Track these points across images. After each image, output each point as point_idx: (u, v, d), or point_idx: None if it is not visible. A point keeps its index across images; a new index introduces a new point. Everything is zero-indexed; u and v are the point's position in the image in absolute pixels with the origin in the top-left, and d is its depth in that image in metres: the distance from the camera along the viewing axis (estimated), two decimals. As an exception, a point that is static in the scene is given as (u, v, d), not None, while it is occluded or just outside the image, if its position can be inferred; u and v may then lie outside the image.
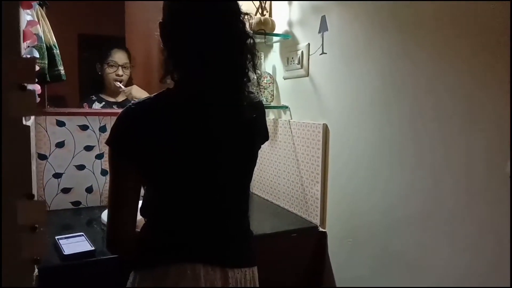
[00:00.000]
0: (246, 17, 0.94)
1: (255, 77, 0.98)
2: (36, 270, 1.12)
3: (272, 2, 1.94)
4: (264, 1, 1.88)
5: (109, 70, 1.89)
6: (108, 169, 1.78)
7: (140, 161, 0.91)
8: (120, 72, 1.89)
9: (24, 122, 1.01)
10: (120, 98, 1.93)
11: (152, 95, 0.93)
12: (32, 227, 0.89)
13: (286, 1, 1.82)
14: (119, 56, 1.91)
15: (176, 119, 0.90)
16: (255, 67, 0.96)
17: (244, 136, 0.99)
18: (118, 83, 1.89)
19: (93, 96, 1.90)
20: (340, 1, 1.50)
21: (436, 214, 1.15)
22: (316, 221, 1.64)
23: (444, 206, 1.13)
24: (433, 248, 1.17)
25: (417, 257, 1.22)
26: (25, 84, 0.75)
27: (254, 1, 1.86)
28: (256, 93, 1.03)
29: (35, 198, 1.15)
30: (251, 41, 0.94)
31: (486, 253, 1.02)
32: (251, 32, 0.97)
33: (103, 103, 1.90)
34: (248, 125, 0.99)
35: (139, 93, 1.92)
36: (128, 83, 1.95)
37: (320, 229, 1.62)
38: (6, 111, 0.93)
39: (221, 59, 0.90)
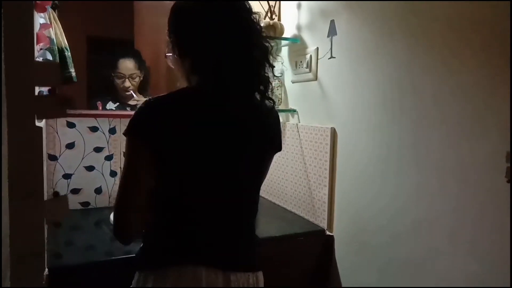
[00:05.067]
0: (256, 16, 0.96)
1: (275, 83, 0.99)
2: (46, 269, 1.13)
3: (281, 6, 1.95)
4: (273, 5, 1.89)
5: (117, 81, 1.90)
6: (116, 171, 1.81)
7: (155, 152, 0.89)
8: (127, 84, 1.89)
9: (36, 124, 1.03)
10: (132, 103, 1.94)
11: (171, 92, 0.94)
12: (55, 192, 0.95)
13: (295, 5, 1.83)
14: (125, 67, 1.91)
15: (195, 116, 0.90)
16: (270, 64, 0.98)
17: (259, 141, 1.00)
18: (129, 92, 1.90)
19: (108, 96, 1.92)
20: (349, 6, 1.50)
21: (443, 219, 1.15)
22: (323, 224, 1.64)
23: (451, 211, 1.13)
24: (440, 252, 1.17)
25: (424, 261, 1.22)
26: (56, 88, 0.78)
27: (262, 3, 1.87)
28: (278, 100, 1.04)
29: (45, 198, 1.18)
30: (269, 47, 0.97)
31: (495, 257, 1.02)
32: (269, 40, 0.99)
33: (118, 103, 1.92)
34: (264, 131, 1.01)
35: None
36: (144, 89, 1.95)
37: (327, 232, 1.62)
38: (16, 113, 0.95)
39: (241, 60, 0.92)
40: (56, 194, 0.99)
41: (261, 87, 0.97)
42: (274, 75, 1.01)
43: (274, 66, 1.00)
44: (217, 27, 0.92)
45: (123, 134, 0.90)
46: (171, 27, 0.98)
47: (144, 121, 0.89)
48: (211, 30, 0.91)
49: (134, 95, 1.91)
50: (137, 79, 1.93)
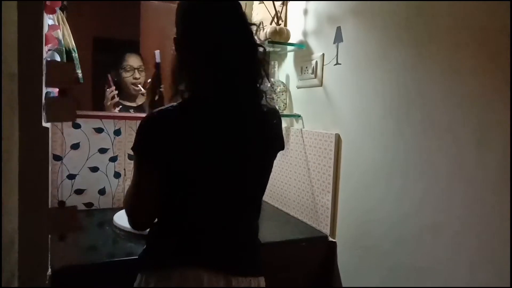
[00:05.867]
0: (253, 26, 0.97)
1: (269, 85, 1.00)
2: (50, 269, 1.13)
3: (288, 11, 1.96)
4: (280, 11, 1.89)
5: (126, 74, 1.91)
6: (120, 172, 1.82)
7: (161, 165, 0.92)
8: (137, 75, 1.92)
9: (43, 124, 1.04)
10: (139, 102, 1.95)
11: (175, 103, 0.95)
12: (60, 202, 0.91)
13: (302, 11, 1.84)
14: (133, 60, 1.93)
15: (197, 124, 0.91)
16: (267, 76, 0.98)
17: (262, 144, 1.00)
18: (138, 86, 1.91)
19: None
20: (356, 12, 1.51)
21: (448, 226, 1.15)
22: (326, 230, 1.64)
23: (456, 218, 1.13)
24: (444, 260, 1.16)
25: (428, 268, 1.21)
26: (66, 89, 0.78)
27: (269, 8, 1.88)
28: (271, 101, 1.04)
29: (49, 199, 1.18)
30: (263, 50, 0.97)
31: (499, 264, 1.02)
32: (260, 40, 1.00)
33: (120, 106, 1.92)
34: (266, 132, 1.01)
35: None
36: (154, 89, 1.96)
37: (330, 239, 1.62)
38: (27, 113, 0.95)
39: (236, 69, 0.92)
40: (61, 203, 0.96)
41: (260, 91, 0.98)
42: (273, 89, 1.03)
43: (269, 81, 1.02)
44: (222, 30, 0.92)
45: (131, 149, 0.95)
46: (178, 25, 0.98)
47: (148, 139, 0.93)
48: (216, 32, 0.92)
49: (143, 90, 1.92)
50: (143, 74, 1.94)
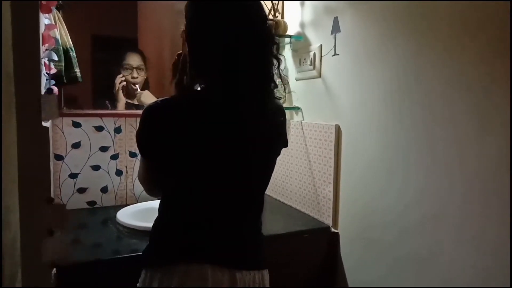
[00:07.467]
0: (271, 22, 0.96)
1: (280, 81, 0.99)
2: (54, 268, 1.14)
3: (284, 3, 1.95)
4: (277, 3, 1.89)
5: (125, 73, 1.91)
6: (122, 170, 1.82)
7: (162, 159, 0.93)
8: (135, 74, 1.92)
9: (43, 124, 1.04)
10: (136, 101, 1.96)
11: (175, 96, 0.94)
12: (49, 231, 0.92)
13: (298, 3, 1.83)
14: (133, 59, 1.93)
15: (198, 120, 0.91)
16: (280, 72, 0.97)
17: (266, 140, 1.00)
18: (136, 85, 1.92)
19: (108, 101, 1.93)
20: (353, 3, 1.50)
21: (449, 216, 1.15)
22: (329, 221, 1.64)
23: (457, 208, 1.13)
24: (446, 250, 1.16)
25: (430, 258, 1.21)
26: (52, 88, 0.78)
27: (266, 2, 1.87)
28: (281, 98, 1.04)
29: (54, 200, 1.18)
30: (277, 45, 0.96)
31: (501, 253, 1.02)
32: (277, 37, 0.98)
33: (126, 102, 1.93)
34: (271, 129, 1.01)
35: (149, 99, 1.94)
36: (145, 86, 1.97)
37: (333, 229, 1.62)
38: (25, 113, 0.96)
39: (248, 63, 0.91)
40: (50, 200, 0.97)
41: (270, 87, 0.97)
42: (281, 81, 1.02)
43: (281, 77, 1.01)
44: (232, 27, 0.91)
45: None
46: (187, 21, 0.96)
47: (149, 135, 0.94)
48: (225, 29, 0.91)
49: (139, 90, 1.92)
50: (143, 73, 1.94)
